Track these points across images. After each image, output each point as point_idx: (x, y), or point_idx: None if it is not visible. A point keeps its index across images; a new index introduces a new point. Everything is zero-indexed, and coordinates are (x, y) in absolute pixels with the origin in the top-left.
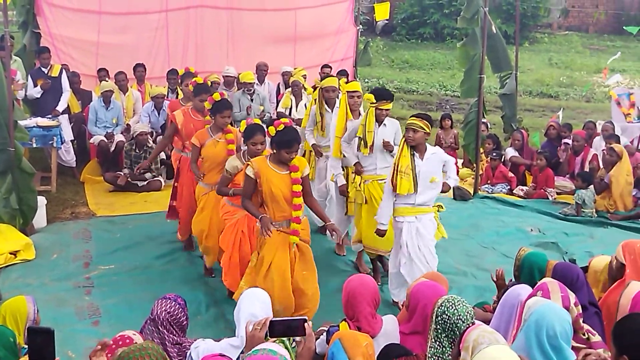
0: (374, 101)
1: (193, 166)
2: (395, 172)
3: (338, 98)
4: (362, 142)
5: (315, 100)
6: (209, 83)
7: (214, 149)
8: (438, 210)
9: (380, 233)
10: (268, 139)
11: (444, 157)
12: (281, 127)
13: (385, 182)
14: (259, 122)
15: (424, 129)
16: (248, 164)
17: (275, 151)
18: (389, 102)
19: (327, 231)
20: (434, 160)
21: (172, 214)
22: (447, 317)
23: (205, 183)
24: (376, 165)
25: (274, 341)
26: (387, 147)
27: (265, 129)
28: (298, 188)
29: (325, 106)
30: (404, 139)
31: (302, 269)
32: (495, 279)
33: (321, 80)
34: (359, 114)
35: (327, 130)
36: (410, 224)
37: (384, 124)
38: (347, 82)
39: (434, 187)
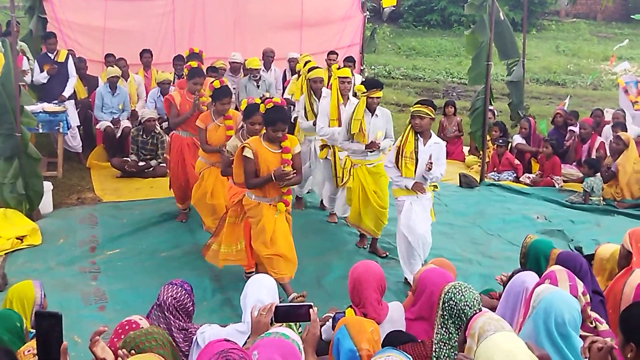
0: (365, 91)
1: (205, 146)
2: (399, 156)
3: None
4: (347, 129)
5: (303, 78)
6: (216, 68)
7: (215, 133)
8: (433, 190)
9: (418, 188)
10: None
11: (441, 153)
12: (270, 105)
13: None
14: (258, 101)
15: (430, 115)
16: (245, 146)
17: (266, 129)
18: (379, 90)
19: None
20: (435, 150)
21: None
22: (453, 303)
23: (205, 159)
24: (367, 153)
25: (287, 326)
26: (371, 147)
27: None
28: (287, 168)
29: (313, 96)
30: (409, 126)
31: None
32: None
33: (331, 68)
34: (348, 99)
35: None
36: (410, 201)
37: (376, 115)
38: (352, 69)
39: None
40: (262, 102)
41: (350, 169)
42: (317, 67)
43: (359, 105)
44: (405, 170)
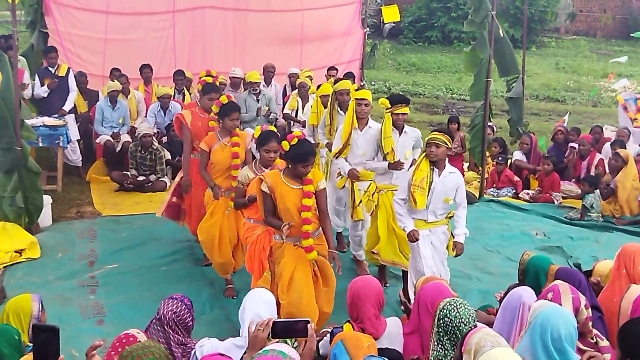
0: (389, 106)
1: (203, 172)
2: (409, 185)
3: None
4: (380, 149)
5: (318, 98)
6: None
7: (221, 153)
8: (450, 217)
9: (412, 237)
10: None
11: (460, 181)
12: (294, 140)
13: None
14: (274, 128)
15: (446, 144)
16: (261, 179)
17: (290, 166)
18: (405, 106)
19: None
20: (451, 180)
21: (171, 213)
22: (448, 320)
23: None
24: (392, 175)
25: (282, 341)
26: (397, 167)
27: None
28: (308, 202)
29: (338, 108)
30: (424, 154)
31: (322, 285)
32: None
33: (335, 83)
34: (366, 123)
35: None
36: (424, 237)
37: (405, 132)
38: (353, 85)
39: (446, 207)
40: (284, 139)
41: (373, 194)
42: (344, 79)
43: (385, 122)
44: (414, 201)
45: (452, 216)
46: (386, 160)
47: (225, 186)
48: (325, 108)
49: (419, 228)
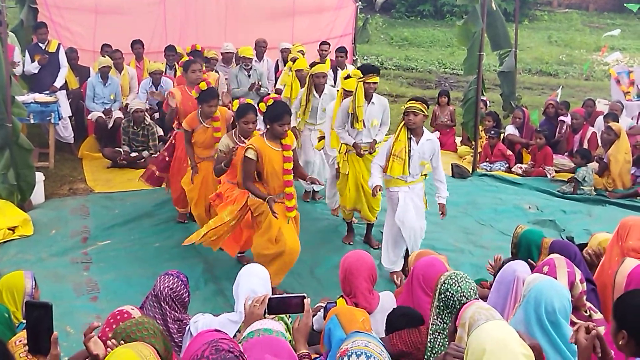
0: (361, 76)
1: (189, 151)
2: (389, 154)
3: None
4: (354, 117)
5: (293, 73)
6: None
7: (204, 135)
8: (424, 175)
9: (374, 191)
10: (260, 118)
11: (436, 147)
12: (270, 101)
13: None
14: (251, 101)
15: (423, 112)
16: (249, 147)
17: (269, 126)
18: (375, 76)
19: (310, 182)
20: (428, 147)
21: (152, 179)
22: (450, 294)
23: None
24: (361, 139)
25: (280, 318)
26: (370, 150)
27: (257, 107)
28: (289, 166)
29: (314, 91)
30: (402, 122)
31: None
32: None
33: (318, 63)
34: (370, 99)
35: (310, 115)
36: (405, 193)
37: (372, 102)
38: (344, 59)
39: (422, 169)
40: (261, 101)
41: (345, 154)
42: (319, 63)
43: (357, 91)
44: (392, 169)
45: (426, 174)
46: (354, 128)
47: (206, 154)
48: (300, 83)
49: (400, 185)
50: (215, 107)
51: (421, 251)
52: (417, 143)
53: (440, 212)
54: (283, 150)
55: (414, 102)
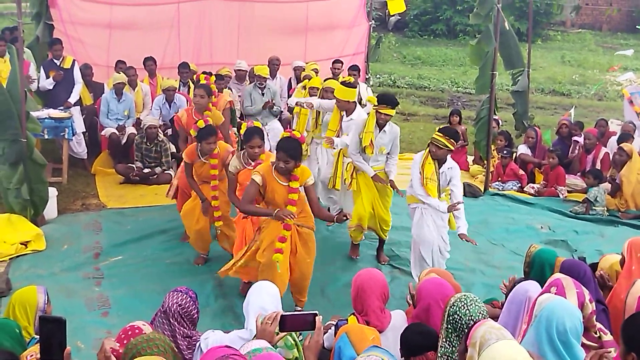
0: (376, 104)
1: (191, 181)
2: (422, 177)
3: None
4: (360, 142)
5: (303, 89)
6: (220, 76)
7: (201, 168)
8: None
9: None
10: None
11: (456, 174)
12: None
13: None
14: (259, 125)
15: (448, 147)
16: (256, 172)
17: (276, 160)
18: (389, 108)
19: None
20: (448, 175)
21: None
22: (458, 317)
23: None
24: (369, 163)
25: (288, 335)
26: (380, 181)
27: (264, 132)
28: (294, 197)
29: None
30: (427, 149)
31: (305, 255)
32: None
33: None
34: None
35: (322, 129)
36: (423, 209)
37: (384, 130)
38: (357, 77)
39: (442, 194)
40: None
41: (352, 173)
42: (331, 78)
43: (369, 118)
44: (429, 192)
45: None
46: (364, 153)
47: (205, 175)
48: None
49: (418, 202)
50: (214, 144)
51: (431, 269)
52: (439, 170)
53: (467, 241)
54: (290, 181)
55: (440, 135)
